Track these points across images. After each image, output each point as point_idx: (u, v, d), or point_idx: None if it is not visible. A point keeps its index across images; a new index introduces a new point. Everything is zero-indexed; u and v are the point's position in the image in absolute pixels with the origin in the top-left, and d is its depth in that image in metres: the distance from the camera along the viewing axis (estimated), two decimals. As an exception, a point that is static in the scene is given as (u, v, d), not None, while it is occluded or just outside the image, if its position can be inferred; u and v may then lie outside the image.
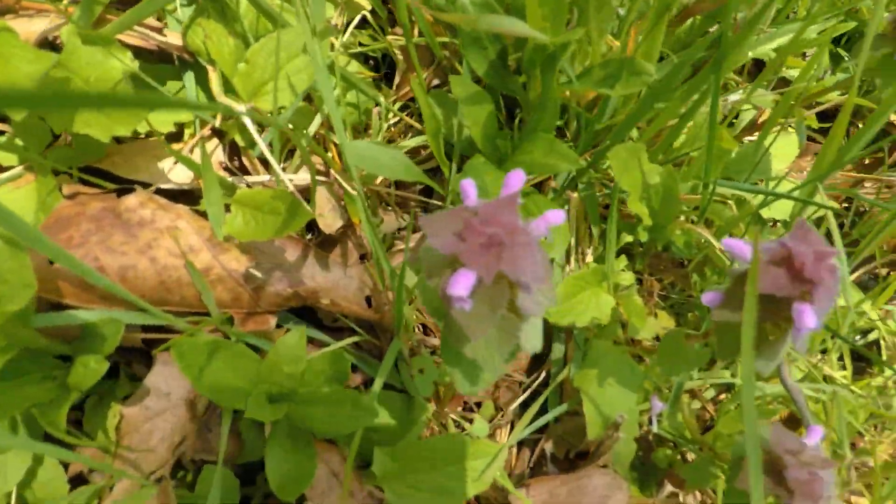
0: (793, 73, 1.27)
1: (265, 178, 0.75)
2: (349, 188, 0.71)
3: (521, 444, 0.96)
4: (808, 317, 0.48)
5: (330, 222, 0.75)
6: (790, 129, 1.31)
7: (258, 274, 0.68)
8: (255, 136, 0.66)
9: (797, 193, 0.96)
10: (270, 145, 0.72)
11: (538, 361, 1.00)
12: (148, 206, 0.64)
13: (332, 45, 0.88)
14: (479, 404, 0.95)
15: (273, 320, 0.72)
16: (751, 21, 0.60)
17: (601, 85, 0.70)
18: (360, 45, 0.92)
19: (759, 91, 0.97)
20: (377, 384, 0.68)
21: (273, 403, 0.64)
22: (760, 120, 1.22)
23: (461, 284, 0.38)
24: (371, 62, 1.07)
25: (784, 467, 0.62)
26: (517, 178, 0.44)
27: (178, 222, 0.64)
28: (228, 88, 0.72)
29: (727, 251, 0.54)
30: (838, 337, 0.78)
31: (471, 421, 0.96)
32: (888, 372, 1.05)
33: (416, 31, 0.88)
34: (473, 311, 0.41)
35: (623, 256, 0.97)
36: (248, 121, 0.65)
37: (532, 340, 0.50)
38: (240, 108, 0.64)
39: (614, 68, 0.69)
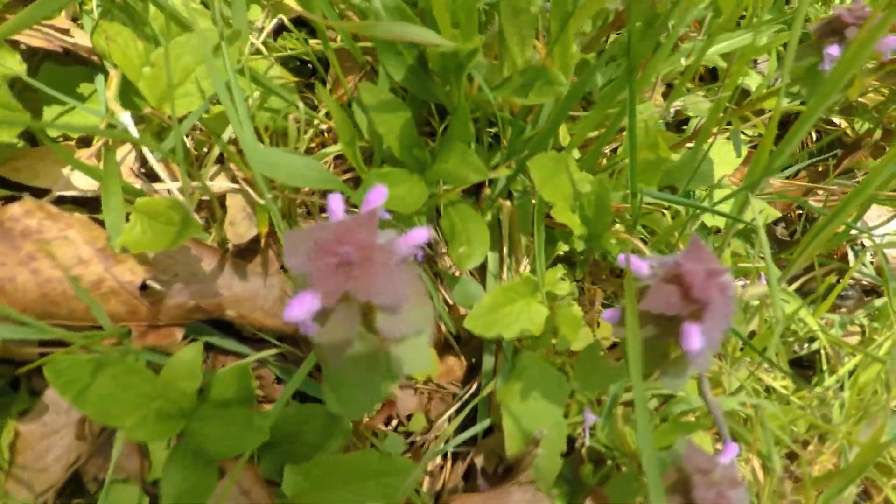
0: (745, 81, 1.27)
1: (176, 185, 0.72)
2: (256, 196, 0.69)
3: (455, 456, 0.95)
4: (694, 338, 0.47)
5: (242, 231, 0.73)
6: (741, 134, 1.30)
7: (156, 286, 0.65)
8: (146, 150, 0.63)
9: (731, 201, 0.95)
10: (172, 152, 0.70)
11: (474, 372, 0.98)
12: (35, 216, 0.61)
13: (257, 49, 0.85)
14: (409, 416, 0.93)
15: (179, 333, 0.69)
16: (652, 30, 0.58)
17: (518, 93, 0.69)
18: (290, 49, 0.89)
19: (695, 98, 0.96)
20: (283, 397, 0.66)
21: (169, 421, 0.62)
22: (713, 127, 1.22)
23: (297, 308, 0.36)
24: (310, 65, 1.05)
25: (693, 487, 0.61)
26: (378, 195, 0.42)
27: (68, 232, 0.61)
28: (136, 93, 0.70)
29: (622, 267, 0.52)
30: (761, 357, 0.77)
31: (406, 434, 0.94)
32: (827, 381, 1.04)
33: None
34: (326, 333, 0.39)
35: (560, 265, 0.96)
36: (133, 129, 0.63)
37: (412, 362, 0.48)
38: (123, 116, 0.62)
39: (530, 77, 0.67)
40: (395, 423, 0.96)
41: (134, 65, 0.67)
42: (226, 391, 0.69)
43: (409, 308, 0.43)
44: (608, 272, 1.06)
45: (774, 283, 0.81)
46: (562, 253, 1.01)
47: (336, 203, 0.43)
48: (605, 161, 1.05)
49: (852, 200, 0.84)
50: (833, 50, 0.70)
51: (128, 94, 0.72)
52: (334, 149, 0.84)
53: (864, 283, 1.26)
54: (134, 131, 0.62)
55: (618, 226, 0.98)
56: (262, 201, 0.69)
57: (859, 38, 0.63)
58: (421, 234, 0.41)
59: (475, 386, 0.93)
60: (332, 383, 0.49)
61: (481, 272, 0.95)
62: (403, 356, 0.47)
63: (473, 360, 0.98)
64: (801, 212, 1.35)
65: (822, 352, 1.08)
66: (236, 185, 0.75)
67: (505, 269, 0.91)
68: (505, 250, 0.91)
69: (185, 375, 0.61)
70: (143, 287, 0.70)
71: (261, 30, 0.85)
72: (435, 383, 0.95)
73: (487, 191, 0.93)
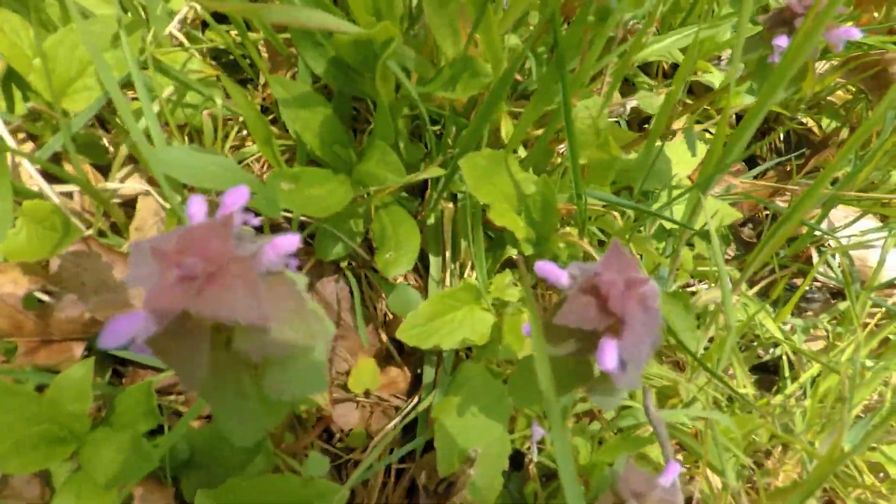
0: (708, 78, 1.23)
1: (75, 188, 0.67)
2: (161, 200, 0.63)
3: (399, 473, 0.90)
4: (609, 355, 0.42)
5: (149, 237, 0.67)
6: (706, 133, 1.26)
7: (45, 297, 0.60)
8: (24, 155, 0.57)
9: (686, 200, 0.91)
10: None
11: (419, 383, 0.93)
12: None
13: (179, 42, 0.80)
14: (349, 431, 0.88)
15: (78, 349, 0.64)
16: (580, 20, 0.54)
17: (447, 87, 0.64)
18: (210, 41, 0.84)
19: (645, 94, 0.92)
20: (185, 419, 0.60)
21: (55, 446, 0.56)
22: (674, 125, 1.17)
23: (115, 332, 0.31)
24: (248, 60, 0.99)
25: (627, 512, 0.56)
26: (237, 196, 0.37)
27: (-62, 240, 0.56)
28: (27, 86, 0.64)
29: (541, 277, 0.48)
30: (709, 372, 0.73)
31: (349, 450, 0.89)
32: (789, 388, 1.00)
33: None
34: (169, 355, 0.34)
35: (509, 271, 0.91)
36: (2, 129, 0.57)
37: (299, 386, 0.42)
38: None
39: (458, 69, 0.62)
40: (337, 437, 0.90)
41: (24, 56, 0.62)
42: (132, 409, 0.63)
43: (280, 326, 0.38)
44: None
45: (727, 289, 0.76)
46: (513, 257, 0.97)
47: (196, 206, 0.37)
48: (560, 159, 1.01)
49: (808, 197, 0.80)
50: (781, 41, 0.66)
51: (24, 88, 0.67)
52: (255, 147, 0.79)
53: (831, 286, 1.23)
54: (3, 132, 0.57)
55: (569, 228, 0.94)
56: (168, 205, 0.63)
57: (805, 28, 0.59)
58: (288, 241, 0.36)
59: (417, 398, 0.88)
60: (212, 407, 0.44)
61: (425, 279, 0.90)
62: (286, 379, 0.42)
63: (419, 371, 0.93)
64: (768, 213, 1.32)
65: (785, 357, 1.04)
66: (147, 188, 0.69)
67: (448, 274, 0.86)
68: (447, 255, 0.86)
69: (73, 396, 0.56)
70: (41, 301, 0.64)
71: (182, 20, 0.79)
72: (376, 396, 0.90)
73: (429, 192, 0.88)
